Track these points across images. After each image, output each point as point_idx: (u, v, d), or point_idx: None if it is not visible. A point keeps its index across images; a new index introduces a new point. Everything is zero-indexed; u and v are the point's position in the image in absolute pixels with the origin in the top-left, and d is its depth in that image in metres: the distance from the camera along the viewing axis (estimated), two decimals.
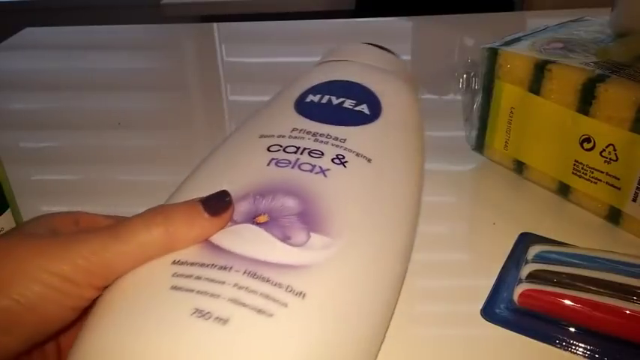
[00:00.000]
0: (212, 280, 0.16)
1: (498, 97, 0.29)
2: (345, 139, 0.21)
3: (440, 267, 0.25)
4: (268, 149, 0.21)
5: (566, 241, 0.25)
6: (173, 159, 0.35)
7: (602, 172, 0.26)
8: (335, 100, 0.23)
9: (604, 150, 0.25)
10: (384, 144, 0.22)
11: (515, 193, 0.29)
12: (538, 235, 0.26)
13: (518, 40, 0.29)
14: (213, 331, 0.15)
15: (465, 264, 0.26)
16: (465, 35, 0.56)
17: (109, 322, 0.16)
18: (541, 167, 0.28)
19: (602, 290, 0.21)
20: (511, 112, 0.29)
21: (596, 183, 0.26)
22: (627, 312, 0.20)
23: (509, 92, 0.28)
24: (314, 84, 0.24)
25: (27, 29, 0.64)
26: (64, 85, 0.49)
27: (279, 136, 0.21)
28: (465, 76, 0.31)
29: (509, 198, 0.29)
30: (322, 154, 0.20)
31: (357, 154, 0.21)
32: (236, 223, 0.18)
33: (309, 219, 0.18)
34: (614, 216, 0.26)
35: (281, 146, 0.21)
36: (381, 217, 0.20)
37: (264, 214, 0.18)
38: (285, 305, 0.16)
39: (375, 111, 0.23)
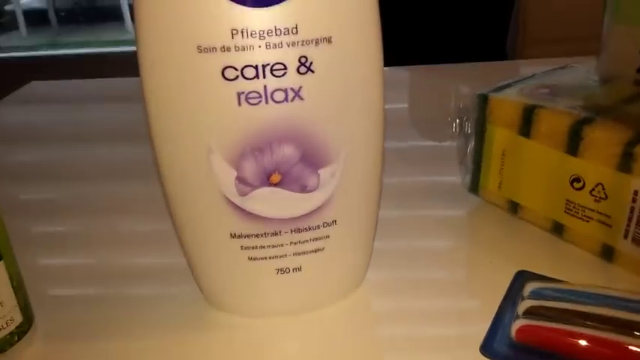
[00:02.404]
0: (274, 246, 0.23)
1: (490, 141, 0.30)
2: (296, 27, 0.19)
3: (440, 309, 0.26)
4: (224, 76, 0.19)
5: (561, 278, 0.25)
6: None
7: (593, 210, 0.26)
8: None
9: (593, 189, 0.26)
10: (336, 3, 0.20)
11: (510, 232, 0.30)
12: (534, 273, 0.26)
13: (507, 86, 0.31)
14: (296, 279, 0.24)
15: (463, 302, 0.26)
16: (461, 83, 0.58)
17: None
18: (534, 207, 0.29)
19: (598, 325, 0.21)
20: (503, 155, 0.30)
21: (588, 221, 0.27)
22: (625, 346, 0.21)
23: (501, 135, 0.29)
24: None
25: (33, 82, 0.66)
26: (67, 136, 0.50)
27: (223, 49, 0.19)
28: (457, 121, 0.32)
29: (505, 237, 0.30)
30: (285, 67, 0.19)
31: (317, 42, 0.19)
32: (254, 187, 0.21)
33: (312, 158, 0.21)
34: (607, 253, 0.27)
35: (236, 69, 0.19)
36: (359, 105, 0.22)
37: (275, 172, 0.20)
38: (328, 236, 0.23)
39: None
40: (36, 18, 2.51)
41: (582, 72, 0.32)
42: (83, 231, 0.34)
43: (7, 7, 2.46)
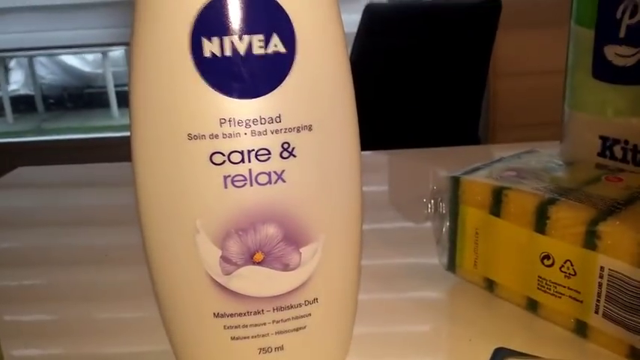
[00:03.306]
0: (256, 325, 0.23)
1: (464, 220, 0.32)
2: (279, 116, 0.20)
3: None
4: (212, 161, 0.20)
5: (538, 354, 0.26)
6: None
7: (564, 286, 0.28)
8: (239, 45, 0.20)
9: (563, 265, 0.27)
10: (314, 91, 0.21)
11: (488, 309, 0.31)
12: (512, 350, 0.27)
13: (477, 169, 0.33)
14: (278, 358, 0.24)
15: None
16: (437, 166, 0.61)
17: None
18: (509, 284, 0.30)
19: None
20: (476, 233, 0.31)
21: (560, 297, 0.28)
22: None
23: (473, 215, 0.31)
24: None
25: (20, 168, 0.67)
26: (52, 221, 0.51)
27: (211, 137, 0.20)
28: (432, 202, 0.34)
29: (482, 315, 0.31)
30: (269, 152, 0.21)
31: (298, 130, 0.21)
32: (238, 265, 0.22)
33: (294, 238, 0.22)
34: (581, 328, 0.27)
35: (223, 154, 0.20)
36: (338, 187, 0.23)
37: (258, 251, 0.21)
38: (310, 314, 0.24)
39: (291, 43, 0.20)
40: (23, 104, 2.56)
41: (546, 156, 0.35)
42: (58, 320, 0.34)
43: None
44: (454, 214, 0.32)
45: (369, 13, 1.23)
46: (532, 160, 0.34)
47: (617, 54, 0.34)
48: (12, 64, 2.61)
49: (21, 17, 1.66)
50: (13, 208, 0.55)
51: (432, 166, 0.61)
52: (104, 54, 2.34)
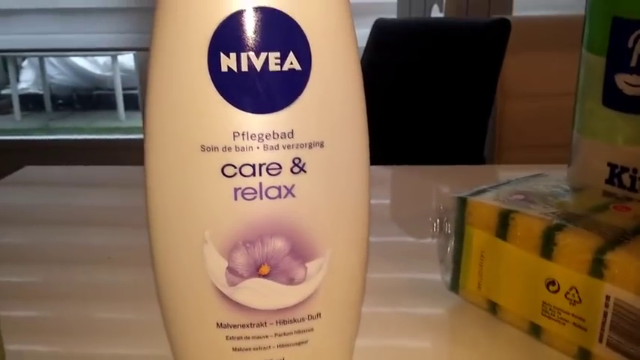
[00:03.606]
0: (258, 337, 0.23)
1: (469, 241, 0.32)
2: (292, 132, 0.21)
3: None
4: (223, 173, 0.21)
5: None
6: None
7: (568, 313, 0.27)
8: (256, 61, 0.20)
9: (568, 292, 0.27)
10: (327, 108, 0.21)
11: (490, 332, 0.31)
12: None
13: (484, 191, 0.33)
14: None
15: None
16: (440, 184, 0.61)
17: None
18: (513, 308, 0.30)
19: None
20: (482, 256, 0.31)
21: (564, 324, 0.28)
22: None
23: (479, 237, 0.31)
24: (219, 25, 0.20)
25: (27, 167, 0.67)
26: (56, 220, 0.51)
27: (224, 149, 0.21)
28: (438, 221, 0.34)
29: (484, 338, 0.30)
30: (280, 167, 0.21)
31: (310, 146, 0.21)
32: (243, 277, 0.22)
33: (300, 252, 0.22)
34: (584, 356, 0.27)
35: (235, 167, 0.21)
36: (347, 203, 0.23)
37: (264, 263, 0.21)
38: (312, 329, 0.23)
39: (306, 62, 0.21)
40: (31, 102, 2.58)
41: (554, 180, 0.35)
42: (57, 317, 0.34)
43: (4, 91, 2.53)
44: (460, 235, 0.32)
45: (378, 27, 1.23)
46: (540, 184, 0.34)
47: (627, 83, 0.35)
48: (25, 63, 2.63)
49: (35, 19, 1.68)
50: (19, 206, 0.55)
51: (437, 183, 0.61)
52: (114, 57, 2.36)
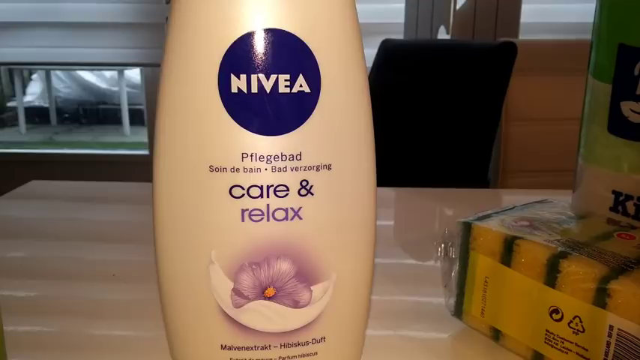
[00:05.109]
0: None
1: (473, 267, 0.32)
2: (300, 154, 0.21)
3: None
4: (231, 194, 0.21)
5: None
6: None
7: (571, 342, 0.27)
8: (266, 83, 0.20)
9: (571, 321, 0.27)
10: (335, 131, 0.21)
11: (493, 359, 0.30)
12: None
13: (489, 216, 0.33)
14: None
15: None
16: (445, 207, 0.61)
17: None
18: (515, 335, 0.30)
19: None
20: (486, 281, 0.31)
21: (567, 353, 0.28)
22: None
23: (483, 263, 0.31)
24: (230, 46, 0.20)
25: (33, 181, 0.68)
26: (61, 235, 0.51)
27: (232, 170, 0.21)
28: (442, 245, 0.34)
29: None
30: (287, 188, 0.21)
31: (318, 168, 0.21)
32: (249, 299, 0.22)
33: (306, 275, 0.22)
34: None
35: (242, 188, 0.21)
36: (353, 226, 0.23)
37: (270, 285, 0.21)
38: (316, 353, 0.24)
39: (316, 84, 0.21)
40: (37, 116, 2.59)
41: (559, 207, 0.35)
42: (60, 332, 0.34)
43: (10, 104, 2.54)
44: (464, 260, 0.32)
45: (385, 48, 1.25)
46: (545, 211, 0.34)
47: (632, 110, 0.35)
48: (34, 76, 2.65)
49: (43, 32, 1.70)
50: (25, 220, 0.56)
51: (441, 206, 0.61)
52: (120, 72, 2.38)
